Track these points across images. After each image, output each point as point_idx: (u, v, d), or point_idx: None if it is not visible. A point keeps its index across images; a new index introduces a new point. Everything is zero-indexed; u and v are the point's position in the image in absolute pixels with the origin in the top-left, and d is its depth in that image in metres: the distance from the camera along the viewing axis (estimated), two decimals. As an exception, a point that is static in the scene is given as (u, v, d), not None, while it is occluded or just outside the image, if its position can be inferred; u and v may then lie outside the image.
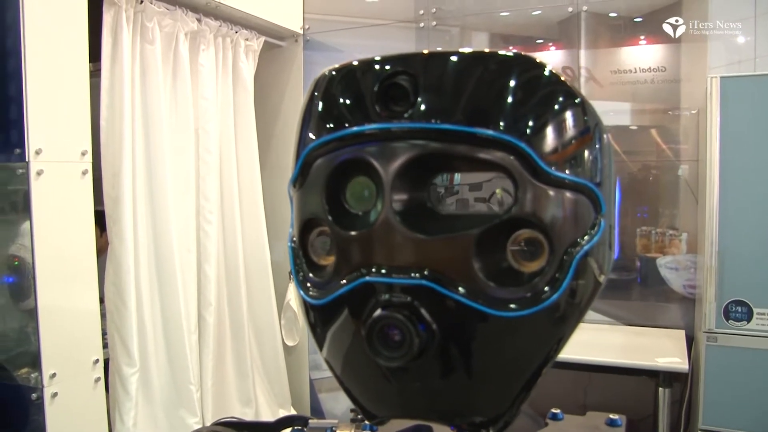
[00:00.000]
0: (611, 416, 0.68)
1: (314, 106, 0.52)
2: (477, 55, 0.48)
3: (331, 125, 0.50)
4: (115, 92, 2.66)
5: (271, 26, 3.49)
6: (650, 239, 3.04)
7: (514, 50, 0.48)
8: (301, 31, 3.66)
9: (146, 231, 2.83)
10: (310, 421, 0.73)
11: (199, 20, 2.99)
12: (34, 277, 2.28)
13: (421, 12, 3.48)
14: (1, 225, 2.44)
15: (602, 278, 0.49)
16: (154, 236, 2.87)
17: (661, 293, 3.03)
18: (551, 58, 3.32)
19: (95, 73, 2.61)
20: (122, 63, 2.65)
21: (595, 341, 2.89)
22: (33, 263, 2.27)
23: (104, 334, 2.70)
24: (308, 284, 0.52)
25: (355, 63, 0.51)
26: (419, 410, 0.50)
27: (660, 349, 2.69)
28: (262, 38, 3.46)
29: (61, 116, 2.33)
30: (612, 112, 3.19)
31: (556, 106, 0.47)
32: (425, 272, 0.45)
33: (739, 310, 2.34)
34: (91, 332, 2.49)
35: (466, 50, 0.47)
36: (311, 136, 0.51)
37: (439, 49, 0.47)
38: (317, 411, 3.79)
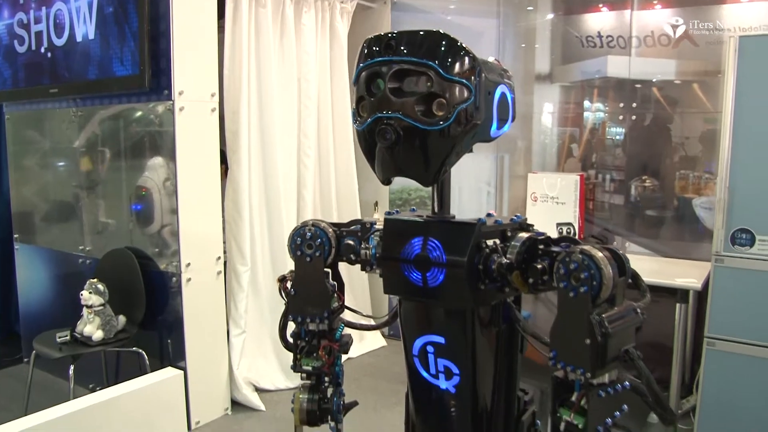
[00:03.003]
0: (516, 215, 1.22)
1: (362, 51, 1.09)
2: (421, 32, 1.04)
3: (367, 58, 1.07)
4: (235, 47, 3.32)
5: (364, -10, 4.04)
6: (688, 181, 3.43)
7: (440, 30, 1.04)
8: (390, -6, 4.20)
9: (258, 160, 3.51)
10: (366, 219, 1.32)
11: (302, -14, 3.60)
12: (176, 191, 2.98)
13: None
14: (144, 156, 3.16)
15: (475, 121, 1.04)
16: (263, 165, 3.54)
17: (695, 230, 3.42)
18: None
19: (220, 29, 3.26)
20: (241, 23, 3.29)
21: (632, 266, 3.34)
22: (175, 180, 2.97)
23: (224, 242, 3.41)
24: (358, 121, 1.10)
25: (378, 34, 1.08)
26: (398, 170, 1.08)
27: (684, 274, 3.10)
28: (355, 1, 4.02)
29: (197, 65, 3.00)
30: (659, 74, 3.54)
31: (459, 54, 1.03)
32: (399, 112, 1.02)
33: (744, 236, 2.72)
34: (215, 236, 3.21)
35: (419, 29, 1.04)
36: (361, 64, 1.09)
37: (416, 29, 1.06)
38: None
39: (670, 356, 3.05)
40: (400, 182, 4.14)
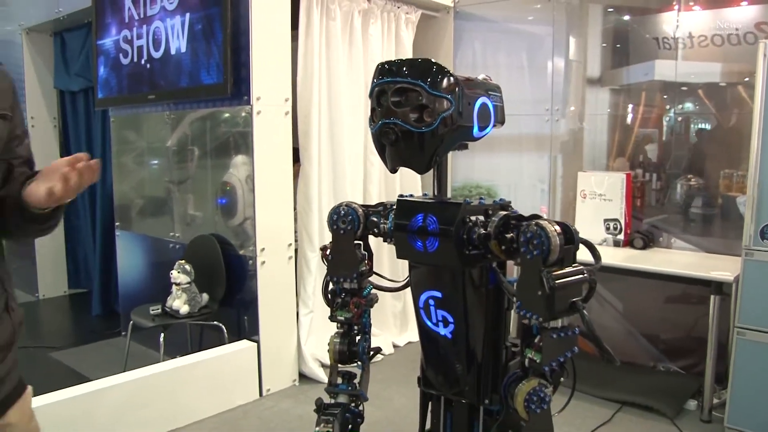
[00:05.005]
0: (500, 198, 1.52)
1: (375, 73, 1.42)
2: (419, 59, 1.35)
3: (378, 78, 1.40)
4: (307, 56, 3.70)
5: (427, 0, 4.35)
6: (732, 180, 3.56)
7: (431, 59, 1.36)
8: (452, 4, 4.49)
9: (327, 157, 3.88)
10: (388, 201, 1.66)
11: (369, 0, 3.95)
12: (253, 187, 3.39)
13: (551, -13, 4.14)
14: (227, 155, 3.58)
15: (458, 124, 1.34)
16: (332, 162, 3.92)
17: (739, 227, 3.54)
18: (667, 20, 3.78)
19: (293, 37, 3.64)
20: (313, 34, 3.68)
21: (674, 260, 3.51)
22: (253, 176, 3.38)
23: (295, 231, 3.80)
24: (371, 125, 1.42)
25: (389, 60, 1.41)
26: (401, 162, 1.40)
27: (721, 268, 3.25)
28: (420, 11, 4.34)
29: (273, 73, 3.40)
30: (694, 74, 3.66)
31: (442, 75, 1.33)
32: (398, 119, 1.33)
33: (774, 232, 2.88)
34: (287, 225, 3.60)
35: (417, 58, 1.35)
36: (374, 81, 1.42)
37: (414, 57, 1.37)
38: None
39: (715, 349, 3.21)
40: (461, 180, 4.45)
